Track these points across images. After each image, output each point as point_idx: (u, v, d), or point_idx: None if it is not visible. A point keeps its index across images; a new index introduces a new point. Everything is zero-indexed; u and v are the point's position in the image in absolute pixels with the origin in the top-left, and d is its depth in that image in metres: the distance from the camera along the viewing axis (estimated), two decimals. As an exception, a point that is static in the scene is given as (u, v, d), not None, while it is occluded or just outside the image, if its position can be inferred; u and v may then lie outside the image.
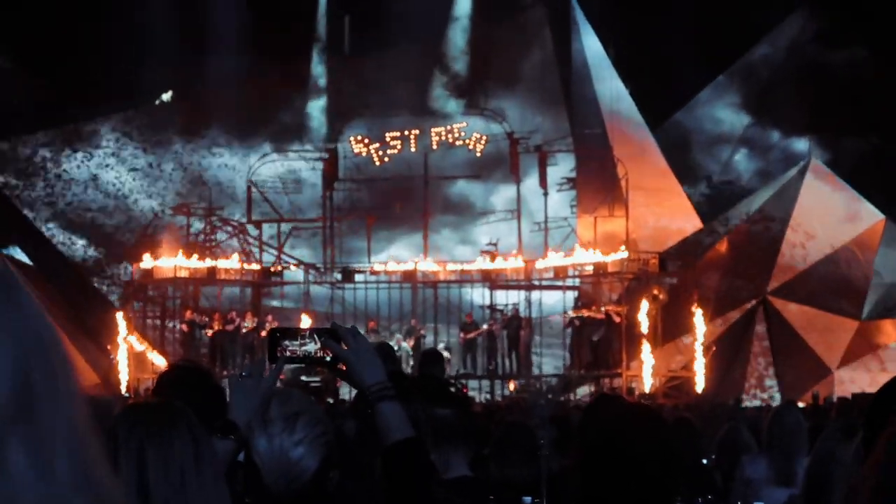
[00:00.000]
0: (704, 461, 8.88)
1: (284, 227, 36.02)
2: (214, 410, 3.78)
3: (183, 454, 2.87)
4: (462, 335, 32.54)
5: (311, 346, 3.73)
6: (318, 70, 37.70)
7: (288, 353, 3.74)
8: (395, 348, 25.64)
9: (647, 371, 30.10)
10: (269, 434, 3.53)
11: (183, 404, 3.04)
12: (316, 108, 37.53)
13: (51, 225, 33.94)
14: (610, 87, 35.16)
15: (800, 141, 34.75)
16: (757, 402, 29.41)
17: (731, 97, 35.83)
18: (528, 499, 5.54)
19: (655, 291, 31.37)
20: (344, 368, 3.71)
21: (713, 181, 35.50)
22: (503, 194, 36.71)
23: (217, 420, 3.57)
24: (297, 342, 3.75)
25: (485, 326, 32.53)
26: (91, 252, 34.39)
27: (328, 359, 3.72)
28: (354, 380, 3.69)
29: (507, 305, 33.58)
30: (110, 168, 35.38)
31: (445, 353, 30.44)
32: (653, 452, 3.96)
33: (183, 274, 32.14)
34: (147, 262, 31.93)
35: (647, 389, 29.54)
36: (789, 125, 34.85)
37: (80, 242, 34.25)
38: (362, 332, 4.21)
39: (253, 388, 3.65)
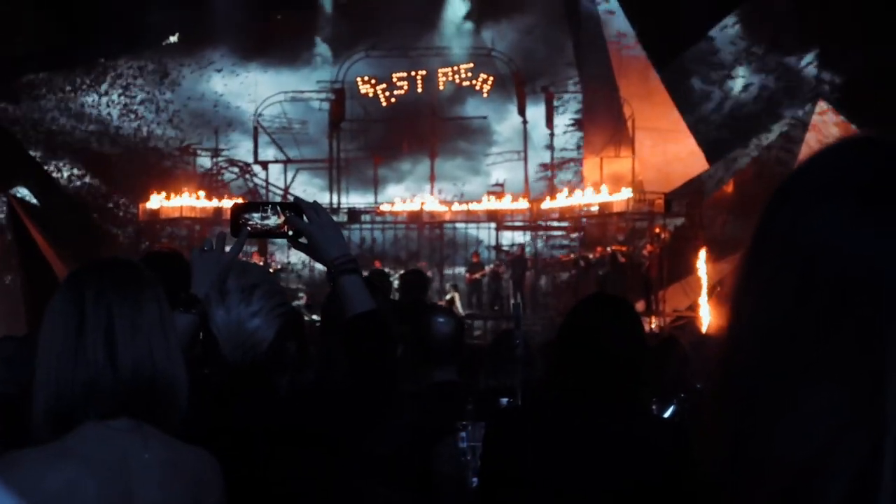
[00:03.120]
0: (699, 386, 8.88)
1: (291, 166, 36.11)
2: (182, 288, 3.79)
3: (150, 319, 2.89)
4: (468, 275, 32.62)
5: (274, 221, 3.73)
6: (325, 11, 37.51)
7: (250, 228, 3.74)
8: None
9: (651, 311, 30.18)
10: (227, 305, 3.55)
11: (148, 268, 3.04)
12: (322, 47, 37.42)
13: (55, 162, 33.90)
14: (617, 28, 35.00)
15: (808, 65, 34.22)
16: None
17: (737, 30, 35.37)
18: (504, 399, 5.59)
19: (657, 230, 31.42)
20: (306, 243, 3.73)
21: (720, 119, 35.26)
22: (511, 123, 36.62)
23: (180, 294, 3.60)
24: (260, 216, 3.74)
25: (490, 267, 32.59)
26: (96, 189, 34.37)
27: (290, 233, 3.73)
28: (317, 254, 3.70)
29: (512, 245, 33.62)
30: (116, 104, 35.31)
31: (454, 293, 30.63)
32: (621, 337, 4.01)
33: (191, 214, 32.21)
34: (154, 201, 32.02)
35: (653, 328, 29.58)
36: (798, 52, 34.33)
37: (86, 180, 34.23)
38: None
39: (214, 262, 3.66)
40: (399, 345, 5.20)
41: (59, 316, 2.87)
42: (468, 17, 37.12)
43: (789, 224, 1.34)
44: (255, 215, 3.74)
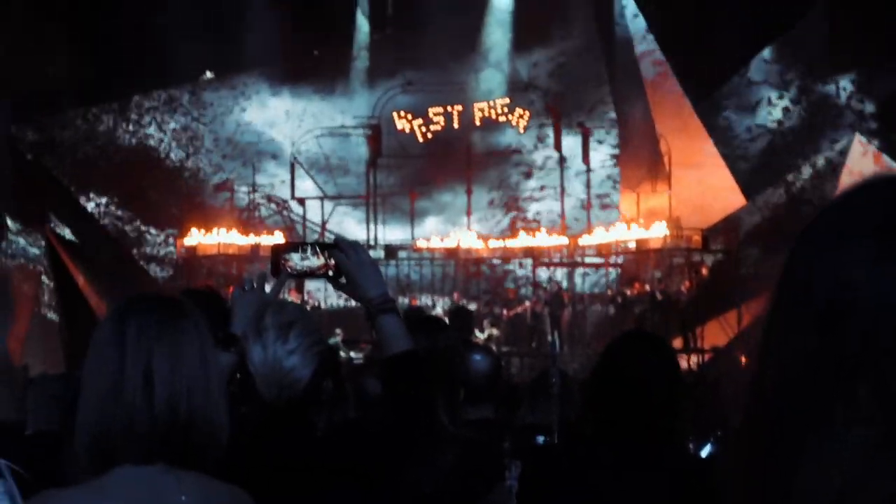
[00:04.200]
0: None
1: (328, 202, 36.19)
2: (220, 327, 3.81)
3: (190, 357, 2.88)
4: (505, 312, 32.54)
5: (314, 262, 3.77)
6: (361, 44, 37.56)
7: (289, 269, 3.78)
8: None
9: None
10: (264, 343, 3.57)
11: (190, 302, 3.04)
12: (358, 83, 37.45)
13: (89, 196, 34.05)
14: (653, 63, 35.01)
15: (844, 93, 34.01)
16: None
17: (772, 61, 35.23)
18: (540, 437, 5.60)
19: (695, 266, 31.38)
20: (345, 282, 3.76)
21: (757, 153, 35.13)
22: (547, 157, 36.56)
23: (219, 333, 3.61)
24: (300, 256, 3.78)
25: (527, 303, 32.52)
26: (132, 223, 34.50)
27: (331, 273, 3.76)
28: (357, 293, 3.73)
29: (549, 281, 33.58)
30: (149, 135, 35.48)
31: (493, 330, 30.59)
32: (656, 373, 4.00)
33: (228, 251, 32.30)
34: (193, 237, 32.16)
35: (690, 365, 29.43)
36: (833, 81, 34.16)
37: (120, 213, 34.36)
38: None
39: (254, 301, 3.69)
40: (460, 388, 5.20)
41: (101, 352, 2.87)
42: (505, 48, 37.07)
43: (811, 264, 1.35)
44: (295, 256, 3.77)
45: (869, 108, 33.43)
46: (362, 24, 37.38)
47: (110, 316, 2.93)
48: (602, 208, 35.40)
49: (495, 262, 34.43)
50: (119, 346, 2.85)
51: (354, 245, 3.79)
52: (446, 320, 26.49)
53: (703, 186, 33.95)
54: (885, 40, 31.22)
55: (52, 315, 30.67)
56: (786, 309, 1.37)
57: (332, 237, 3.87)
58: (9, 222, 30.74)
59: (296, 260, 3.77)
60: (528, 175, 36.99)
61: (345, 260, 3.73)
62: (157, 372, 2.83)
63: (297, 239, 33.88)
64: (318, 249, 3.78)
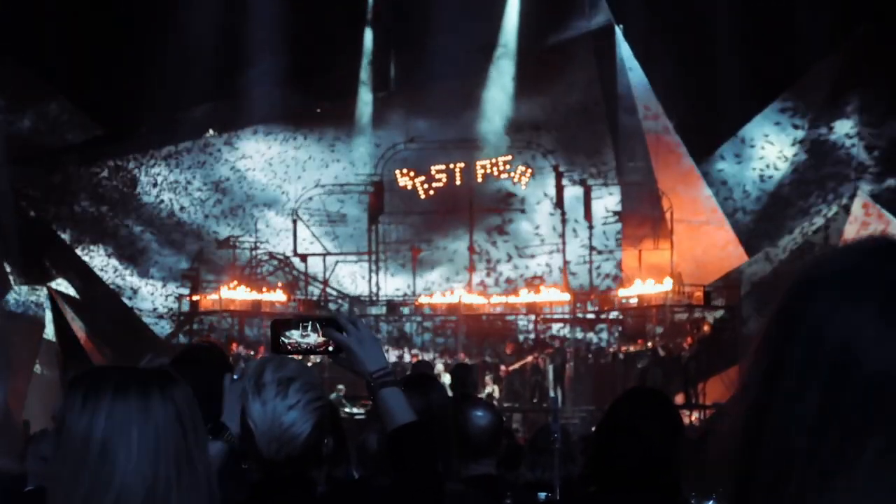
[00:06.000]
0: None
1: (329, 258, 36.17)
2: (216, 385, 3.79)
3: (164, 441, 2.67)
4: (505, 367, 32.47)
5: (314, 338, 3.79)
6: (364, 103, 37.63)
7: (289, 346, 3.80)
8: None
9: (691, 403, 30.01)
10: (263, 398, 3.56)
11: (178, 380, 2.83)
12: (361, 141, 37.48)
13: (94, 252, 34.10)
14: (655, 121, 35.07)
15: (845, 146, 34.09)
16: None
17: (776, 118, 35.29)
18: (542, 494, 5.57)
19: (699, 323, 31.39)
20: (345, 357, 3.77)
21: (759, 209, 35.15)
22: (549, 212, 36.54)
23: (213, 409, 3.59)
24: (299, 333, 3.80)
25: (529, 358, 32.46)
26: (135, 279, 34.53)
27: (330, 349, 3.78)
28: (357, 368, 3.75)
29: (551, 338, 33.54)
30: (153, 192, 35.54)
31: (493, 387, 30.55)
32: (660, 429, 4.00)
33: (230, 307, 32.33)
34: (195, 293, 32.25)
35: (692, 421, 29.38)
36: (834, 133, 34.20)
37: (121, 268, 34.38)
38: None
39: (245, 391, 3.68)
40: (454, 444, 5.19)
41: (67, 430, 2.70)
42: (507, 105, 37.07)
43: (818, 322, 1.34)
44: (295, 333, 3.80)
45: (871, 160, 33.51)
46: (365, 81, 37.43)
47: (73, 389, 2.73)
48: (604, 264, 35.35)
49: (496, 317, 34.43)
50: (85, 424, 2.67)
51: (353, 320, 3.82)
52: (446, 376, 26.47)
53: (704, 242, 33.98)
54: (888, 92, 31.44)
55: (53, 371, 30.64)
56: (788, 364, 1.35)
57: (334, 310, 3.90)
58: (10, 277, 30.80)
59: (296, 337, 3.80)
60: (529, 231, 36.98)
61: (342, 336, 3.75)
62: (119, 454, 2.65)
63: (300, 296, 34.02)
64: (317, 326, 3.80)
